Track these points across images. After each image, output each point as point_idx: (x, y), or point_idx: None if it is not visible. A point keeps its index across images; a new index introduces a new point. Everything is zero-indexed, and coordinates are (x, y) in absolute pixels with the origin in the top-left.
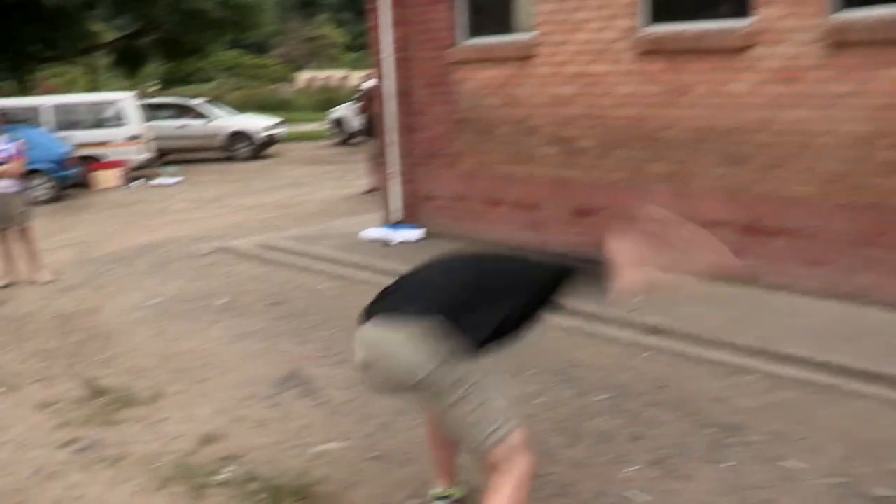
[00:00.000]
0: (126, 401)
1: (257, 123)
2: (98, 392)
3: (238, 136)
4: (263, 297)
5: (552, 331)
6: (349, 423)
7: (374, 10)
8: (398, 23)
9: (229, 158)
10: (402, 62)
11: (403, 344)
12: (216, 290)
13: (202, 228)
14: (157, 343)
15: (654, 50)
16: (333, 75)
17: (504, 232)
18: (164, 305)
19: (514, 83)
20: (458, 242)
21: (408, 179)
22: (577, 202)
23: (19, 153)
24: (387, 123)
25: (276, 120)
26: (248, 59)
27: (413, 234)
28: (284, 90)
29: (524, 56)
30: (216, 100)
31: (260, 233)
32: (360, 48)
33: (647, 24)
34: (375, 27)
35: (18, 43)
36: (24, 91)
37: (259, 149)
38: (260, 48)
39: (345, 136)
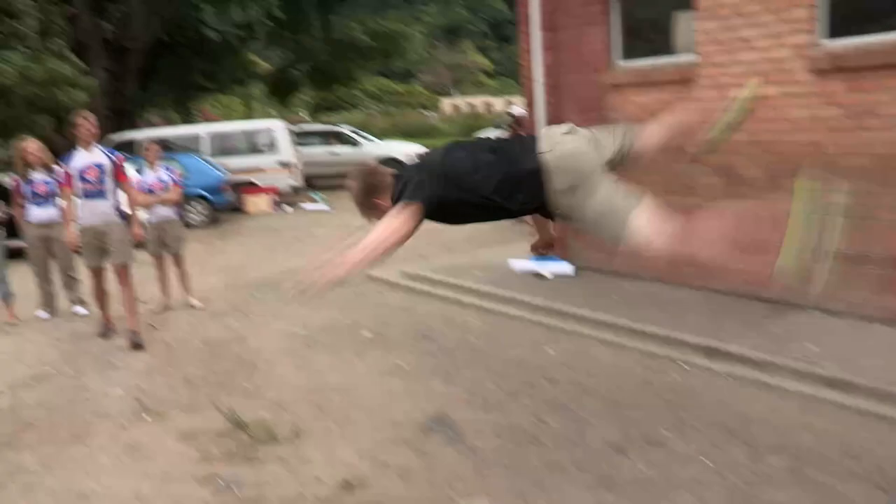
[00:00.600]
0: (267, 436)
1: (405, 150)
2: (240, 426)
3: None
4: (411, 331)
5: (719, 378)
6: (499, 477)
7: (525, 34)
8: (549, 47)
9: None
10: (553, 87)
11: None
12: (364, 321)
13: None
14: (302, 375)
15: (835, 68)
16: (477, 101)
17: (663, 268)
18: (311, 336)
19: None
20: (609, 278)
21: None
22: (742, 236)
23: (177, 182)
24: None
25: (420, 147)
26: (395, 86)
27: (564, 267)
28: (431, 117)
29: (684, 79)
30: (363, 127)
31: (407, 261)
32: (504, 74)
33: (826, 39)
34: (526, 52)
35: (184, 75)
36: (186, 119)
37: None
38: (405, 75)
39: None
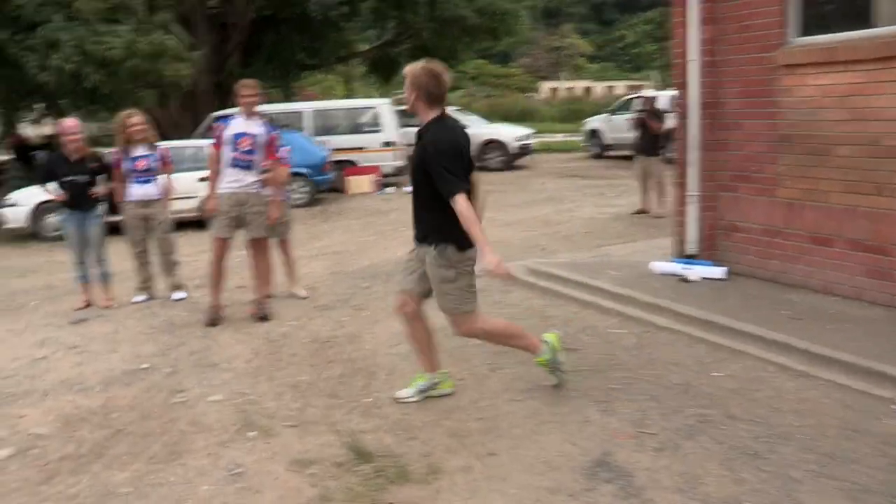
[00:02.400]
0: (397, 473)
1: (511, 133)
2: (362, 455)
3: (491, 145)
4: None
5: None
6: None
7: (680, 4)
8: (709, 20)
9: (481, 168)
10: (711, 67)
11: None
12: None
13: None
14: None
15: None
16: (577, 85)
17: (833, 277)
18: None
19: (867, 92)
20: (768, 285)
21: (708, 206)
22: None
23: (285, 160)
24: (687, 139)
25: (529, 130)
26: (494, 69)
27: (715, 271)
28: (534, 100)
29: (884, 57)
30: (465, 108)
31: (526, 253)
32: (604, 59)
33: None
34: (679, 25)
35: (286, 52)
36: (287, 97)
37: (512, 159)
38: (504, 58)
39: (599, 149)
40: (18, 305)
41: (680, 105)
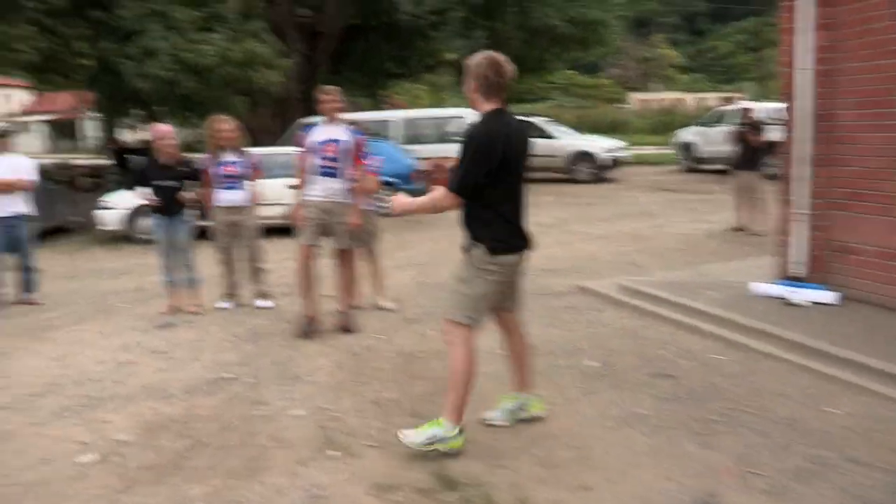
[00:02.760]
0: (483, 503)
1: (601, 144)
2: (447, 482)
3: (581, 156)
4: (642, 364)
5: None
6: None
7: (789, 9)
8: (823, 25)
9: (569, 180)
10: (824, 76)
11: None
12: (581, 344)
13: (548, 257)
14: None
15: None
16: (668, 97)
17: None
18: (551, 360)
19: None
20: (886, 312)
21: (818, 225)
22: None
23: (374, 169)
24: (795, 153)
25: (620, 142)
26: (582, 79)
27: (825, 295)
28: (625, 111)
29: None
30: (555, 119)
31: (617, 270)
32: (695, 70)
33: None
34: (787, 31)
35: (375, 61)
36: (375, 106)
37: (602, 171)
38: (592, 68)
39: (692, 162)
40: (108, 307)
41: (787, 117)
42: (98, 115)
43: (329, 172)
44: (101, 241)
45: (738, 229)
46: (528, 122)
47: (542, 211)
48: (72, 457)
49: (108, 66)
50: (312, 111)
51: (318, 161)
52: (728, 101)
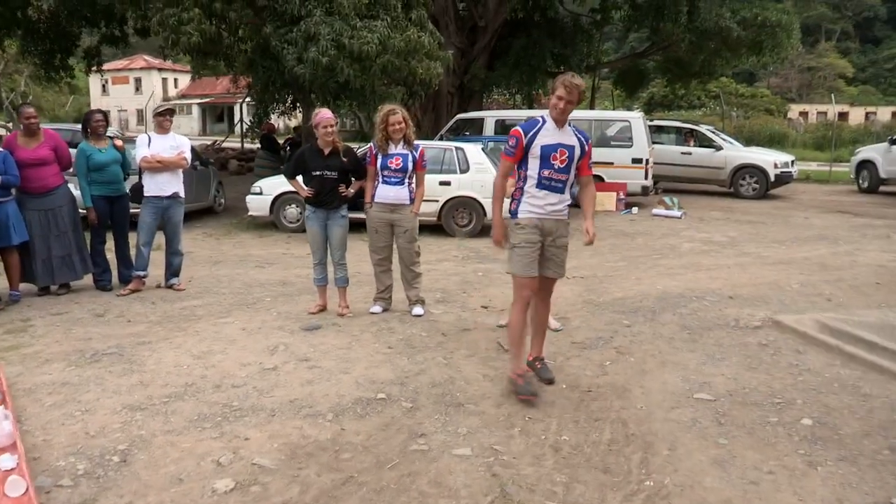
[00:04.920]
0: None
1: (770, 158)
2: None
3: (747, 170)
4: (875, 432)
5: None
6: None
7: None
8: None
9: (732, 194)
10: None
11: None
12: (788, 394)
13: (727, 283)
14: (726, 480)
15: None
16: (832, 110)
17: None
18: (719, 406)
19: None
20: None
21: None
22: None
23: None
24: None
25: (790, 157)
26: (739, 88)
27: None
28: (797, 125)
29: None
30: (719, 128)
31: (808, 303)
32: (864, 81)
33: None
34: None
35: (534, 58)
36: (530, 104)
37: (769, 187)
38: (749, 76)
39: (872, 182)
40: (254, 300)
41: None
42: (252, 100)
43: (558, 187)
44: (249, 228)
45: None
46: (692, 129)
47: (711, 227)
48: (206, 479)
49: (269, 51)
50: (466, 105)
51: (542, 171)
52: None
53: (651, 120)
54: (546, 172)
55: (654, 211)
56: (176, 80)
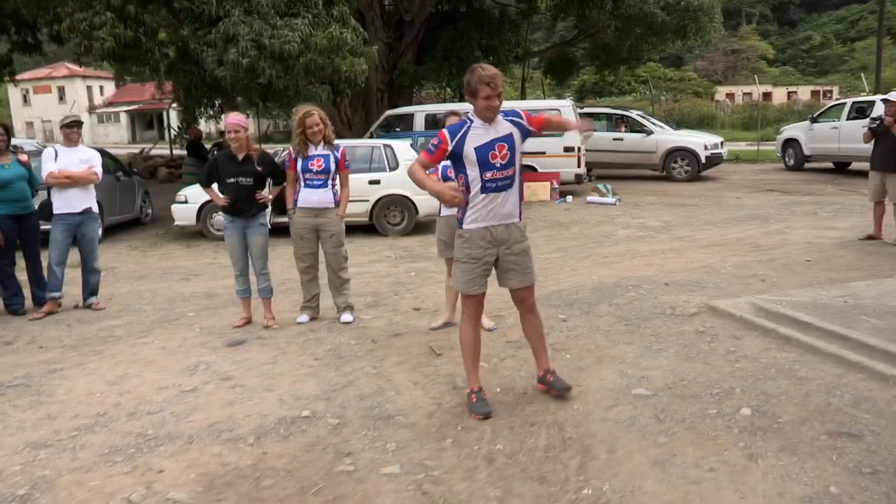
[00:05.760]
0: None
1: (700, 140)
2: None
3: (678, 153)
4: (812, 417)
5: None
6: None
7: None
8: None
9: (665, 178)
10: None
11: None
12: (726, 384)
13: (661, 268)
14: (667, 482)
15: None
16: (756, 90)
17: None
18: (657, 401)
19: None
20: None
21: None
22: None
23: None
24: None
25: (719, 138)
26: (667, 72)
27: None
28: (724, 106)
29: None
30: (646, 114)
31: (743, 285)
32: (785, 62)
33: None
34: None
35: (462, 50)
36: (462, 97)
37: (701, 169)
38: (677, 61)
39: (797, 161)
40: (177, 316)
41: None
42: (177, 105)
43: (503, 186)
44: (176, 237)
45: (873, 238)
46: (623, 115)
47: (645, 212)
48: None
49: (188, 54)
50: (394, 102)
51: (483, 174)
52: (827, 95)
53: (581, 107)
54: (489, 174)
55: (589, 199)
56: (102, 87)
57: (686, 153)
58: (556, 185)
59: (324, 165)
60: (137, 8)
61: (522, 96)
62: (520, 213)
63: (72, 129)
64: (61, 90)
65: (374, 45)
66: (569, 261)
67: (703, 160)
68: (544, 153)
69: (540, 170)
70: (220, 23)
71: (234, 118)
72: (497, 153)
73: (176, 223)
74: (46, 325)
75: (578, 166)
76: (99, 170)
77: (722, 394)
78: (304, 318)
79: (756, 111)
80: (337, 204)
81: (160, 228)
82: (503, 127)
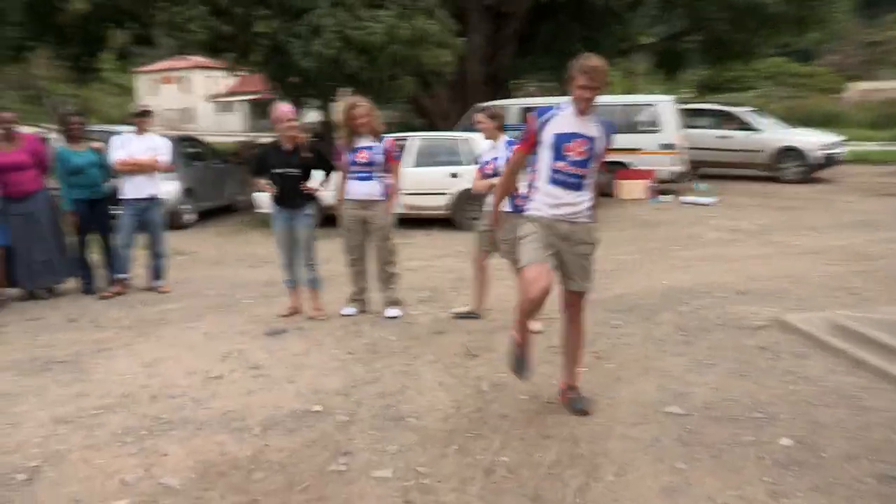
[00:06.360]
0: None
1: (813, 140)
2: None
3: (788, 152)
4: (864, 454)
5: None
6: None
7: None
8: None
9: (773, 179)
10: None
11: None
12: (774, 408)
13: (743, 275)
14: None
15: None
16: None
17: None
18: (689, 421)
19: None
20: None
21: None
22: None
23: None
24: None
25: (836, 137)
26: (794, 67)
27: None
28: (843, 102)
29: None
30: (760, 110)
31: (829, 298)
32: None
33: None
34: None
35: (563, 44)
36: (564, 92)
37: (813, 170)
38: (806, 55)
39: None
40: (233, 302)
41: None
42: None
43: (573, 183)
44: (259, 225)
45: None
46: (729, 111)
47: (741, 214)
48: (105, 500)
49: (279, 45)
50: (494, 95)
51: (554, 163)
52: None
53: (685, 103)
54: (559, 165)
55: (684, 198)
56: (218, 78)
57: (797, 153)
58: (652, 184)
59: (369, 158)
60: (229, 1)
61: (628, 91)
62: (590, 216)
63: (142, 117)
64: (184, 81)
65: (475, 39)
66: (646, 263)
67: (815, 160)
68: (640, 150)
69: (635, 167)
70: (306, 14)
71: (284, 107)
72: (574, 147)
73: (258, 210)
74: (111, 305)
75: (675, 164)
76: (164, 158)
77: (765, 419)
78: (351, 310)
79: (892, 108)
80: (386, 197)
81: (249, 216)
82: (592, 126)
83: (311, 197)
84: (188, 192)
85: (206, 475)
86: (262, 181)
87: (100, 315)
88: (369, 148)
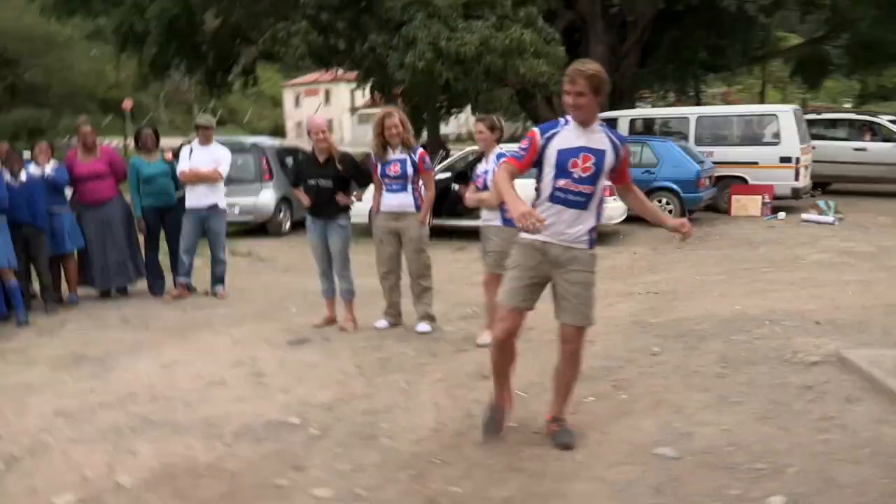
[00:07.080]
0: None
1: None
2: None
3: None
4: None
5: None
6: None
7: None
8: None
9: None
10: None
11: None
12: (785, 458)
13: (829, 303)
14: None
15: None
16: None
17: None
18: (677, 466)
19: None
20: None
21: None
22: None
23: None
24: None
25: None
26: None
27: None
28: None
29: None
30: None
31: (865, 331)
32: None
33: None
34: None
35: (688, 52)
36: (697, 101)
37: None
38: None
39: None
40: (278, 310)
41: None
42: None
43: (573, 202)
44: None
45: None
46: (870, 121)
47: (862, 236)
48: (56, 494)
49: (379, 58)
50: (618, 105)
51: (557, 180)
52: None
53: (819, 113)
54: (562, 182)
55: (804, 216)
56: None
57: None
58: (768, 200)
59: (400, 171)
60: (330, 16)
61: (762, 100)
62: (589, 242)
63: (205, 129)
64: (327, 93)
65: (596, 48)
66: (725, 285)
67: None
68: (757, 163)
69: (751, 182)
70: (402, 27)
71: (316, 119)
72: (580, 163)
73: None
74: (168, 308)
75: (796, 179)
76: (223, 169)
77: (767, 471)
78: (383, 323)
79: None
80: (419, 208)
81: None
82: (598, 138)
83: (345, 208)
84: (284, 201)
85: (158, 478)
86: (300, 192)
87: (152, 317)
88: (402, 160)
